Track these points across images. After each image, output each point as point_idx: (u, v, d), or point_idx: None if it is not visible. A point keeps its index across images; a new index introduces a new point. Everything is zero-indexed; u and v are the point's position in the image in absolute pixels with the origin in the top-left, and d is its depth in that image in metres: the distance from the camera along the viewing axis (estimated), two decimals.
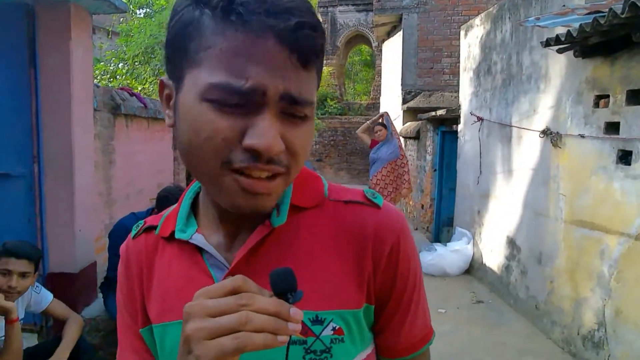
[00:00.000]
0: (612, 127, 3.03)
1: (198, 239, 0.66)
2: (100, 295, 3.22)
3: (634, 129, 2.82)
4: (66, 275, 3.05)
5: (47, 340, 2.35)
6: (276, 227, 0.63)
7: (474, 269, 5.38)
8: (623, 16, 2.39)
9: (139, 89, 6.39)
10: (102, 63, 7.46)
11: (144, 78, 6.54)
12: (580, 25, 2.82)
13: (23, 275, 2.13)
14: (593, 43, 2.98)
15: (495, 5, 5.05)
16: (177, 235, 0.67)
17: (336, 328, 0.62)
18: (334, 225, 0.65)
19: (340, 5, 15.61)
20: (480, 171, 5.20)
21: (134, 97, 4.26)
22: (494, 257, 4.89)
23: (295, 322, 0.48)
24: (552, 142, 3.71)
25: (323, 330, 0.62)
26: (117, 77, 7.19)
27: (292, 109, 0.55)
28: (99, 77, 7.19)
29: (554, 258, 3.69)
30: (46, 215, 3.06)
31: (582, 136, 3.31)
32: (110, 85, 6.80)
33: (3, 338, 2.18)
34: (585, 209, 3.30)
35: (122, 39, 7.54)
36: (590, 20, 2.68)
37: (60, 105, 3.02)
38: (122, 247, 0.75)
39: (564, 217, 3.56)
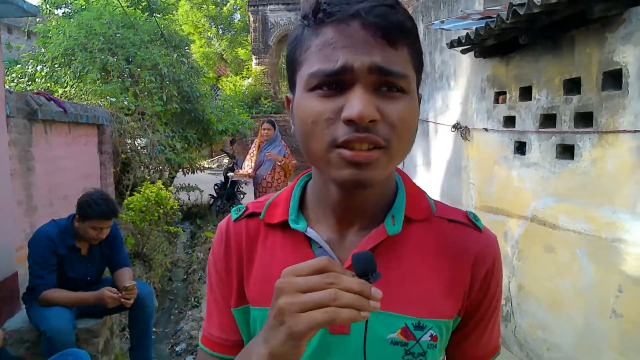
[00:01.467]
0: (510, 121, 3.36)
1: (313, 233, 0.70)
2: (23, 306, 3.14)
3: (526, 122, 3.15)
4: None
5: None
6: (390, 235, 0.68)
7: None
8: (508, 21, 2.68)
9: (60, 92, 6.15)
10: (19, 65, 7.07)
11: (65, 81, 6.29)
12: (476, 28, 3.11)
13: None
14: (490, 45, 3.29)
15: (410, 7, 5.36)
16: (293, 226, 0.71)
17: (433, 335, 0.68)
18: (438, 241, 0.70)
19: (270, 4, 15.66)
20: (403, 165, 5.50)
21: (52, 101, 4.14)
22: None
23: (375, 299, 0.53)
24: (462, 136, 4.03)
25: (422, 335, 0.67)
26: (36, 80, 6.85)
27: (385, 81, 0.59)
28: (16, 81, 6.83)
29: None
30: None
31: (486, 130, 3.64)
32: (29, 88, 6.48)
33: None
34: (491, 195, 3.63)
35: (40, 40, 7.19)
36: (484, 25, 2.97)
37: None
38: (222, 228, 0.78)
39: (474, 204, 3.89)
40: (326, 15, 0.60)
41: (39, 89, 6.19)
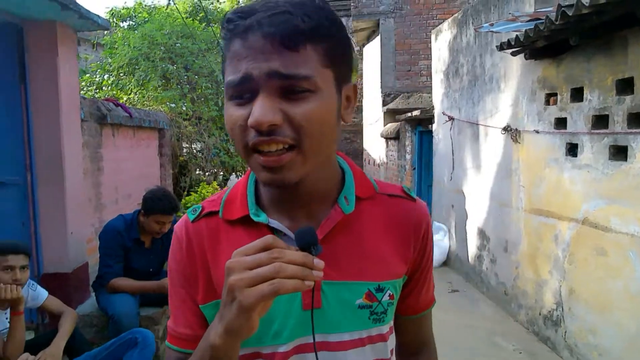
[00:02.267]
0: (561, 123, 3.32)
1: (276, 223, 0.74)
2: (92, 293, 3.43)
3: (578, 123, 3.10)
4: (60, 275, 3.26)
5: (44, 332, 2.55)
6: (346, 214, 0.75)
7: (450, 260, 5.66)
8: (557, 23, 2.67)
9: (124, 99, 6.59)
10: (87, 75, 7.63)
11: (129, 88, 6.74)
12: (526, 30, 3.10)
13: (23, 268, 2.35)
14: (540, 46, 3.27)
15: (460, 11, 5.35)
16: (255, 219, 0.74)
17: (391, 294, 0.78)
18: (385, 214, 0.79)
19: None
20: (453, 167, 5.48)
21: (119, 107, 4.48)
22: (467, 248, 5.16)
23: (318, 269, 0.58)
24: (512, 138, 3.99)
25: (383, 296, 0.76)
26: (103, 88, 7.37)
27: (288, 85, 0.62)
28: (85, 89, 7.38)
29: (518, 245, 3.97)
30: (39, 219, 3.27)
31: (537, 131, 3.60)
32: (96, 96, 6.99)
33: (6, 330, 2.39)
34: (541, 198, 3.58)
35: (107, 51, 7.73)
36: (533, 27, 2.97)
37: (50, 117, 3.24)
38: (180, 230, 0.80)
39: (524, 207, 3.84)
40: (229, 32, 0.65)
41: (106, 96, 6.66)
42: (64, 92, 3.29)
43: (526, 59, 3.58)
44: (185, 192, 5.71)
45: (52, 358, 2.34)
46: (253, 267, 0.57)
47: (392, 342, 0.83)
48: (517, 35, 3.29)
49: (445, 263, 5.70)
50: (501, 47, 3.64)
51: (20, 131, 3.22)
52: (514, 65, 3.94)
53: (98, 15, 3.32)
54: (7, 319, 2.40)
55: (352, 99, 0.74)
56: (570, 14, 2.48)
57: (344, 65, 0.70)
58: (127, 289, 2.99)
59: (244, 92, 0.64)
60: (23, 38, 3.19)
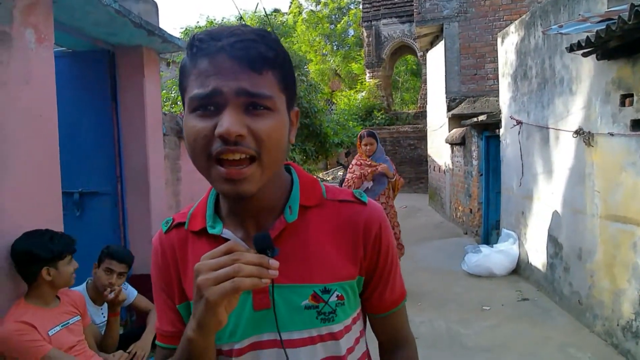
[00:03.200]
0: (638, 125, 3.18)
1: (228, 234, 0.82)
2: None
3: None
4: (146, 276, 3.54)
5: (132, 328, 2.83)
6: (290, 223, 0.81)
7: (520, 268, 5.49)
8: (630, 22, 2.59)
9: None
10: (163, 91, 8.19)
11: None
12: (597, 31, 3.02)
13: (120, 274, 2.63)
14: (613, 46, 3.16)
15: (528, 13, 5.23)
16: (210, 231, 0.82)
17: (339, 295, 0.82)
18: (333, 219, 0.84)
19: (384, 18, 15.94)
20: (522, 173, 5.33)
21: None
22: (538, 255, 5.00)
23: (273, 269, 0.67)
24: (584, 142, 3.85)
25: (330, 297, 0.81)
26: (178, 102, 7.85)
27: (251, 102, 0.70)
28: (162, 105, 7.92)
29: (593, 253, 3.81)
30: (128, 225, 3.61)
31: (612, 134, 3.46)
32: (171, 110, 7.48)
33: (103, 324, 2.68)
34: (618, 203, 3.43)
35: None
36: (605, 27, 2.89)
37: (137, 132, 3.57)
38: (156, 240, 0.90)
39: (599, 213, 3.69)
40: (199, 50, 0.72)
41: (180, 111, 7.11)
42: (149, 110, 3.61)
43: (598, 59, 3.46)
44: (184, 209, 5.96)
45: (142, 350, 2.60)
46: (217, 268, 0.65)
47: (347, 340, 0.85)
48: (587, 36, 3.20)
49: (515, 271, 5.54)
50: (571, 49, 3.55)
51: (111, 146, 3.58)
52: (586, 66, 3.81)
53: (179, 38, 3.63)
54: (102, 314, 2.69)
55: (295, 123, 0.83)
56: None
57: (292, 92, 0.79)
58: None
59: (210, 105, 0.70)
60: (114, 62, 3.55)
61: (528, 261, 5.29)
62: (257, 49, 0.71)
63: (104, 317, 2.69)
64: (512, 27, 5.73)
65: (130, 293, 2.93)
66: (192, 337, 0.71)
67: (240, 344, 0.81)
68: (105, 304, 2.67)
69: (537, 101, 4.91)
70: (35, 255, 2.10)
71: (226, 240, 0.80)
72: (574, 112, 4.08)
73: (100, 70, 3.53)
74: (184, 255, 0.86)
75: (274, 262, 0.67)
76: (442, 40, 9.44)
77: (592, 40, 3.16)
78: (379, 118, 15.25)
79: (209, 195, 0.88)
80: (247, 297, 0.80)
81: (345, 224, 0.85)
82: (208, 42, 0.71)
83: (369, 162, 4.65)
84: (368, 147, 4.64)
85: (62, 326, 2.17)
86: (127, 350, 2.58)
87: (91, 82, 3.52)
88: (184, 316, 0.86)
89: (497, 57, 8.36)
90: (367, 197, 0.90)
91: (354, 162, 4.77)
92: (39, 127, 2.39)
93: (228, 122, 0.68)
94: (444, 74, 9.27)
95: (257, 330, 0.81)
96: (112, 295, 2.52)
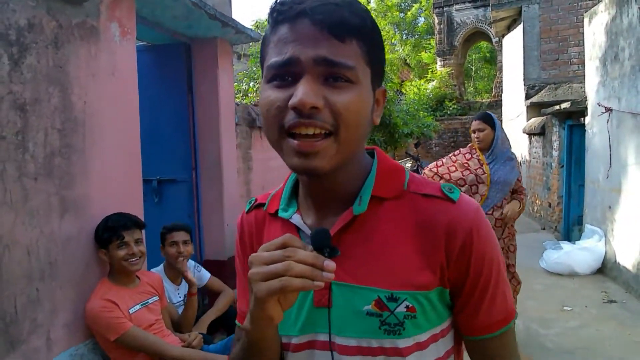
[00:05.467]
0: None
1: (296, 219, 0.77)
2: None
3: None
4: (218, 262, 3.69)
5: (204, 311, 2.95)
6: (358, 216, 0.72)
7: (607, 268, 5.08)
8: None
9: None
10: (235, 83, 8.43)
11: None
12: None
13: (185, 242, 2.76)
14: None
15: None
16: (280, 214, 0.79)
17: (409, 306, 0.70)
18: (410, 216, 0.73)
19: (457, 3, 15.35)
20: (610, 164, 4.91)
21: None
22: (629, 255, 4.59)
23: (328, 271, 0.60)
24: None
25: (397, 307, 0.70)
26: (249, 94, 8.06)
27: (331, 72, 0.64)
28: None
29: None
30: (202, 212, 3.75)
31: None
32: (243, 102, 7.68)
33: (179, 303, 2.80)
34: None
35: (253, 60, 8.44)
36: None
37: (211, 122, 3.68)
38: (238, 220, 0.89)
39: None
40: (279, 15, 0.66)
41: (251, 102, 7.29)
42: (222, 100, 3.71)
43: None
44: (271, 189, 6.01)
45: (200, 327, 2.73)
46: (269, 262, 0.61)
47: (419, 359, 0.72)
48: None
49: (600, 270, 5.14)
50: None
51: (187, 135, 3.72)
52: None
53: (251, 29, 3.69)
54: (179, 293, 2.82)
55: (381, 102, 0.75)
56: None
57: (379, 67, 0.72)
58: None
59: (287, 74, 0.65)
60: (190, 54, 3.67)
61: (616, 260, 4.88)
62: (341, 15, 0.65)
63: (180, 297, 2.81)
64: (601, 6, 5.27)
65: (204, 275, 3.05)
66: (248, 328, 0.68)
67: (297, 339, 0.76)
68: (183, 284, 2.80)
69: (630, 86, 4.48)
70: (96, 239, 2.27)
71: (294, 226, 0.77)
72: None
73: (177, 63, 3.66)
74: (260, 237, 0.83)
75: (330, 264, 0.61)
76: (520, 24, 8.90)
77: None
78: (450, 108, 14.75)
79: (290, 175, 0.83)
80: (309, 291, 0.73)
81: (426, 223, 0.72)
82: (289, 5, 0.66)
83: (478, 158, 3.14)
84: (478, 135, 3.13)
85: (141, 305, 2.29)
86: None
87: (169, 74, 3.67)
88: None
89: (582, 40, 7.78)
90: (460, 192, 0.76)
91: (455, 154, 3.31)
92: (122, 117, 2.52)
93: (302, 92, 0.62)
94: (522, 60, 8.75)
95: (315, 328, 0.74)
96: (183, 266, 2.66)
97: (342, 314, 0.72)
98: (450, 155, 3.35)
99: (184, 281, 2.79)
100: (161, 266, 2.84)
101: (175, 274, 2.82)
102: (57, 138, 2.10)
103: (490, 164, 3.12)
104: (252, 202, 0.88)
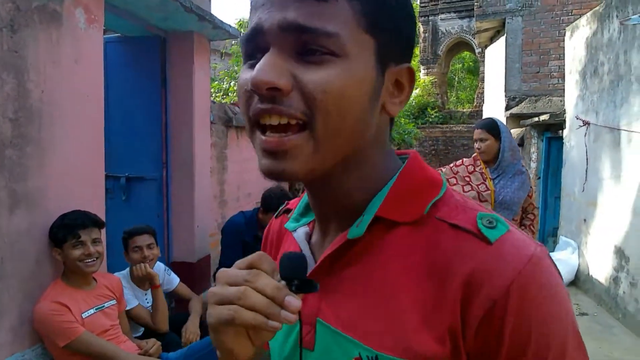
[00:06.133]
0: None
1: (299, 233, 0.63)
2: (213, 283, 3.69)
3: None
4: (186, 264, 3.55)
5: (172, 314, 2.81)
6: (357, 241, 0.54)
7: (579, 280, 5.10)
8: None
9: None
10: (216, 82, 8.27)
11: None
12: None
13: (149, 246, 2.62)
14: None
15: (602, 3, 4.81)
16: (286, 225, 0.65)
17: None
18: (425, 254, 0.51)
19: (442, 13, 15.48)
20: (587, 178, 4.93)
21: None
22: (601, 268, 4.61)
23: (290, 311, 0.46)
24: None
25: None
26: (229, 94, 7.92)
27: (304, 42, 0.48)
28: (213, 95, 8.00)
29: None
30: (172, 211, 3.61)
31: None
32: (223, 101, 7.54)
33: (150, 307, 2.67)
34: None
35: (234, 59, 8.31)
36: None
37: (185, 119, 3.56)
38: (268, 226, 0.76)
39: None
40: None
41: (231, 102, 7.16)
42: (197, 97, 3.59)
43: None
44: (301, 193, 5.91)
45: (193, 334, 2.59)
46: (229, 284, 0.48)
47: None
48: None
49: (572, 283, 5.16)
50: None
51: (159, 132, 3.58)
52: None
53: (230, 25, 3.58)
54: (147, 300, 2.69)
55: (406, 86, 0.55)
56: None
57: (394, 36, 0.52)
58: None
59: (255, 50, 0.50)
60: (165, 48, 3.55)
61: (588, 273, 4.90)
62: None
63: (149, 302, 2.68)
64: (583, 20, 5.31)
65: (173, 279, 2.92)
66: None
67: None
68: (150, 290, 2.67)
69: (608, 100, 4.51)
70: (50, 236, 2.12)
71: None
72: None
73: (151, 56, 3.53)
74: (277, 246, 0.71)
75: (292, 302, 0.46)
76: (503, 35, 8.98)
77: None
78: (432, 116, 14.85)
79: None
80: (296, 324, 0.52)
81: (441, 267, 0.50)
82: None
83: (481, 172, 2.78)
84: (479, 146, 2.79)
85: (96, 309, 2.16)
86: (182, 340, 2.57)
87: (142, 67, 3.54)
88: None
89: (563, 53, 7.87)
90: (508, 229, 0.50)
91: (457, 164, 2.92)
92: (86, 107, 2.39)
93: (257, 68, 0.47)
94: (503, 71, 8.82)
95: None
96: (143, 270, 2.52)
97: None
98: (451, 165, 2.94)
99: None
100: (126, 271, 2.70)
101: (142, 278, 2.68)
102: (9, 127, 1.96)
103: (495, 180, 2.74)
104: (283, 206, 0.74)
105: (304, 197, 0.66)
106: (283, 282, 0.49)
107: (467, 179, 2.75)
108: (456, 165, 2.87)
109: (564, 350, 0.48)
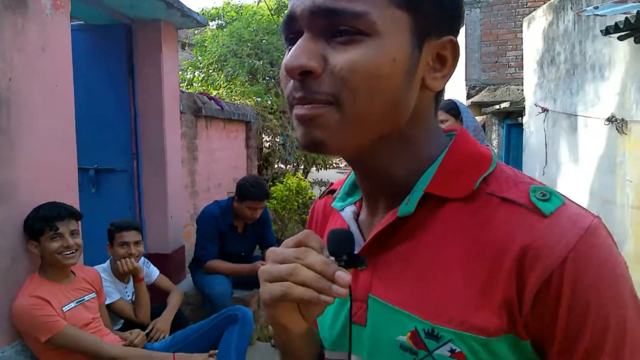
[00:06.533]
0: None
1: (347, 212, 0.63)
2: (188, 274, 3.66)
3: None
4: (161, 256, 3.50)
5: (156, 305, 2.78)
6: (407, 219, 0.55)
7: None
8: None
9: (214, 93, 6.93)
10: (180, 72, 8.12)
11: (218, 84, 7.09)
12: (638, 12, 2.85)
13: (136, 243, 2.57)
14: None
15: None
16: (333, 204, 0.66)
17: (456, 351, 0.50)
18: (477, 229, 0.52)
19: None
20: (546, 162, 5.18)
21: (212, 100, 4.72)
22: None
23: (340, 285, 0.47)
24: (617, 129, 3.69)
25: (437, 348, 0.51)
26: (194, 84, 7.79)
27: (334, 24, 0.49)
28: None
29: (623, 244, 3.67)
30: (144, 203, 3.55)
31: None
32: (187, 91, 7.41)
33: (131, 300, 2.63)
34: None
35: (197, 49, 8.17)
36: None
37: (155, 109, 3.49)
38: (312, 206, 0.78)
39: (631, 203, 3.54)
40: None
41: (196, 92, 7.06)
42: (166, 86, 3.52)
43: (636, 42, 3.29)
44: (271, 183, 5.91)
45: (162, 329, 2.55)
46: (279, 260, 0.50)
47: None
48: (627, 18, 3.03)
49: None
50: (607, 32, 3.38)
51: (128, 122, 3.50)
52: (621, 50, 3.63)
53: (197, 13, 3.52)
54: (127, 293, 2.64)
55: (449, 59, 0.54)
56: None
57: (432, 9, 0.51)
58: (222, 271, 3.16)
59: (292, 34, 0.52)
60: (132, 36, 3.46)
61: None
62: None
63: (129, 295, 2.63)
64: (539, 12, 5.53)
65: (152, 272, 2.88)
66: (273, 333, 0.59)
67: (329, 354, 0.64)
68: (131, 283, 2.62)
69: (565, 88, 4.73)
70: (25, 229, 2.05)
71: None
72: (606, 98, 3.91)
73: (117, 45, 3.44)
74: (323, 226, 0.72)
75: (342, 277, 0.48)
76: (462, 26, 9.21)
77: (632, 22, 2.99)
78: None
79: None
80: (346, 299, 0.56)
81: (492, 241, 0.50)
82: None
83: None
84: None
85: (77, 303, 2.11)
86: (148, 329, 2.53)
87: (108, 56, 3.44)
88: None
89: (519, 44, 8.16)
90: (563, 202, 0.51)
91: None
92: (55, 96, 2.31)
93: (289, 54, 0.49)
94: (464, 61, 9.06)
95: (345, 346, 0.58)
96: (129, 265, 2.47)
97: (377, 338, 0.56)
98: None
99: (132, 279, 2.61)
100: (107, 264, 2.64)
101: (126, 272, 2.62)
102: None
103: None
104: (327, 186, 0.75)
105: (351, 176, 0.66)
106: (332, 258, 0.50)
107: None
108: None
109: (624, 327, 0.47)
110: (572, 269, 0.46)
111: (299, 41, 0.50)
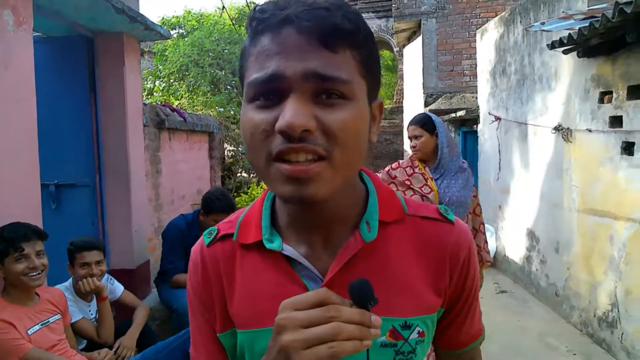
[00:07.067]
0: (616, 121, 3.26)
1: (290, 251, 0.67)
2: (154, 288, 3.63)
3: (635, 121, 3.05)
4: (126, 271, 3.46)
5: (122, 322, 2.74)
6: (368, 243, 0.66)
7: (498, 261, 5.60)
8: (614, 20, 2.65)
9: (175, 104, 6.87)
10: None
11: (180, 94, 7.04)
12: (580, 29, 3.08)
13: (98, 263, 2.53)
14: (594, 44, 3.23)
15: (508, 10, 5.30)
16: (268, 246, 0.68)
17: (420, 331, 0.68)
18: (415, 240, 0.70)
19: (361, 13, 15.92)
20: (500, 168, 5.43)
21: (175, 112, 4.70)
22: (515, 248, 5.11)
23: (375, 327, 0.54)
24: (563, 137, 3.94)
25: (410, 334, 0.67)
26: (154, 93, 7.69)
27: (323, 88, 0.56)
28: None
29: (570, 246, 3.91)
30: (107, 218, 3.50)
31: (590, 130, 3.55)
32: (148, 102, 7.30)
33: (94, 319, 2.59)
34: (596, 198, 3.53)
35: (158, 58, 8.07)
36: (588, 24, 2.95)
37: (117, 122, 3.46)
38: (195, 254, 0.75)
39: (577, 207, 3.79)
40: (259, 23, 0.59)
41: (157, 101, 6.96)
42: (129, 100, 3.50)
43: (579, 57, 3.54)
44: (235, 193, 5.91)
45: (128, 348, 2.53)
46: (306, 325, 0.52)
47: None
48: (570, 34, 3.26)
49: (492, 264, 5.65)
50: (552, 46, 3.62)
51: (90, 136, 3.45)
52: (566, 63, 3.89)
53: (161, 26, 3.52)
54: (90, 311, 2.61)
55: (378, 118, 0.67)
56: (629, 11, 2.46)
57: (375, 78, 0.64)
58: None
59: (271, 92, 0.57)
60: (93, 49, 3.42)
61: (505, 254, 5.40)
62: (332, 21, 0.56)
63: (93, 314, 2.59)
64: (491, 24, 5.81)
65: (117, 288, 2.84)
66: None
67: None
68: (94, 301, 2.58)
69: (516, 97, 5.00)
70: None
71: (283, 257, 0.67)
72: (553, 108, 4.17)
73: (78, 57, 3.39)
74: (230, 273, 0.71)
75: (378, 320, 0.54)
76: (419, 36, 9.50)
77: (574, 38, 3.22)
78: None
79: (263, 201, 0.73)
80: None
81: (429, 245, 0.70)
82: (271, 12, 0.58)
83: (421, 172, 2.55)
84: (414, 144, 2.57)
85: (42, 325, 2.08)
86: (115, 347, 2.50)
87: (69, 69, 3.39)
88: (226, 347, 0.72)
89: (473, 53, 8.50)
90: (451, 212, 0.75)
91: (393, 167, 2.64)
92: (17, 112, 2.28)
93: (291, 113, 0.54)
94: (421, 69, 9.34)
95: None
96: (91, 285, 2.44)
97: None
98: (387, 169, 2.65)
99: (95, 297, 2.57)
100: (69, 282, 2.58)
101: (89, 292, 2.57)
102: None
103: (437, 181, 2.50)
104: (215, 232, 0.74)
105: (264, 220, 0.70)
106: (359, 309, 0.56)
107: (408, 182, 2.51)
108: (392, 169, 2.62)
109: (478, 283, 0.76)
110: (472, 253, 0.73)
111: (293, 102, 0.55)
